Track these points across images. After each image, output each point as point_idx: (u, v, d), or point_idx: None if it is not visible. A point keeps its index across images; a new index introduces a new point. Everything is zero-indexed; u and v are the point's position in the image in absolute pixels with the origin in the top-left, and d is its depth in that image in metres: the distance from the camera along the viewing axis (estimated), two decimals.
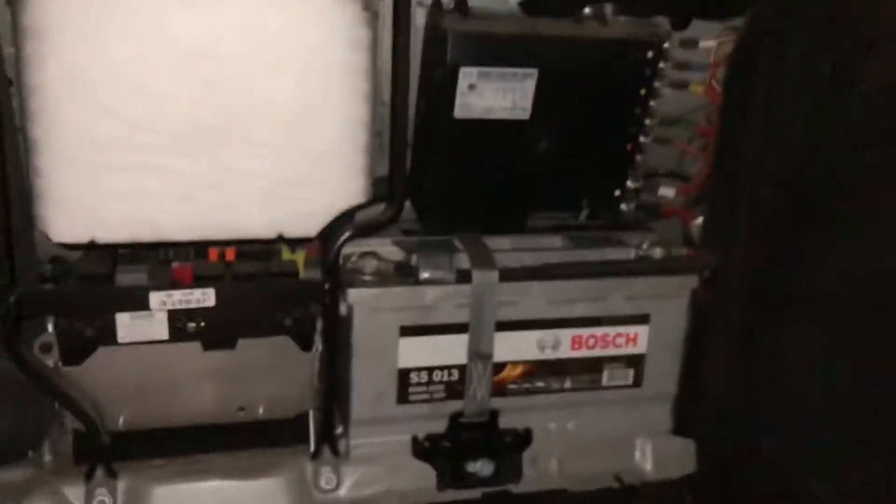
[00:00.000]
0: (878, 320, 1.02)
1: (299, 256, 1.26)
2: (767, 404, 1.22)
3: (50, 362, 1.12)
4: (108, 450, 1.15)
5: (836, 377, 1.09)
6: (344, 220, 1.14)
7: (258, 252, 1.25)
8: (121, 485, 1.15)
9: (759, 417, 1.23)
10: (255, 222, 1.09)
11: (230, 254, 1.22)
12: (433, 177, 1.25)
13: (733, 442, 1.28)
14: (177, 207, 1.05)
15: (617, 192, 1.32)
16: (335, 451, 1.24)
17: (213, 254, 1.21)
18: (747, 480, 1.24)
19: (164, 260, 1.20)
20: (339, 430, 1.27)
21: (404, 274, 1.20)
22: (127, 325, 1.11)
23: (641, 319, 1.29)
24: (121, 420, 1.16)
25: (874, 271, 1.03)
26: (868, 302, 1.04)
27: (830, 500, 1.08)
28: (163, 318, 1.12)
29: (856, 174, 1.04)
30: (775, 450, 1.19)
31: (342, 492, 1.24)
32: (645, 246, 1.32)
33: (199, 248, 1.23)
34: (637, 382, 1.32)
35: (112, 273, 1.11)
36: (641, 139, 1.29)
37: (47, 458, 1.17)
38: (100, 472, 1.14)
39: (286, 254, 1.26)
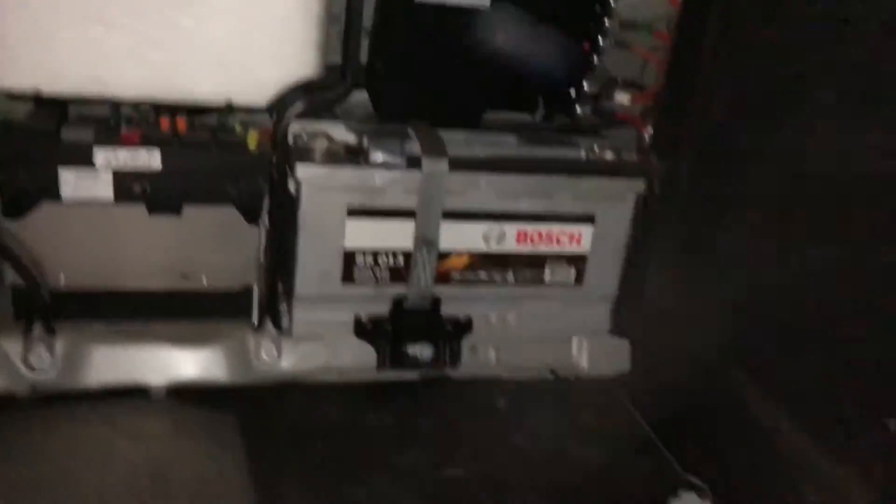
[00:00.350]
0: (804, 224, 1.05)
1: (252, 135, 1.26)
2: (700, 306, 1.25)
3: None
4: (47, 307, 1.16)
5: (764, 279, 1.13)
6: (295, 94, 1.14)
7: (211, 127, 1.26)
8: (59, 343, 1.17)
9: (693, 318, 1.27)
10: (204, 87, 1.08)
11: (181, 123, 1.21)
12: (389, 64, 1.25)
13: (666, 342, 1.33)
14: (124, 64, 1.04)
15: (573, 93, 1.33)
16: (277, 325, 1.26)
17: (164, 123, 1.21)
18: (677, 379, 1.29)
19: (114, 126, 1.19)
20: (284, 306, 1.29)
21: (354, 155, 1.21)
22: (71, 183, 1.10)
23: (587, 219, 1.32)
24: (62, 278, 1.17)
25: (804, 175, 1.05)
26: (796, 206, 1.07)
27: (757, 398, 1.12)
28: (108, 177, 1.12)
29: (803, 74, 1.06)
30: (703, 349, 1.23)
31: (282, 364, 1.26)
32: (596, 148, 1.34)
33: (151, 118, 1.23)
34: (578, 281, 1.35)
35: (57, 129, 1.10)
36: (600, 41, 1.30)
37: None
38: (39, 329, 1.15)
39: (239, 131, 1.25)
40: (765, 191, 1.15)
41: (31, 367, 1.15)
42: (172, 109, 1.21)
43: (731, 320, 1.19)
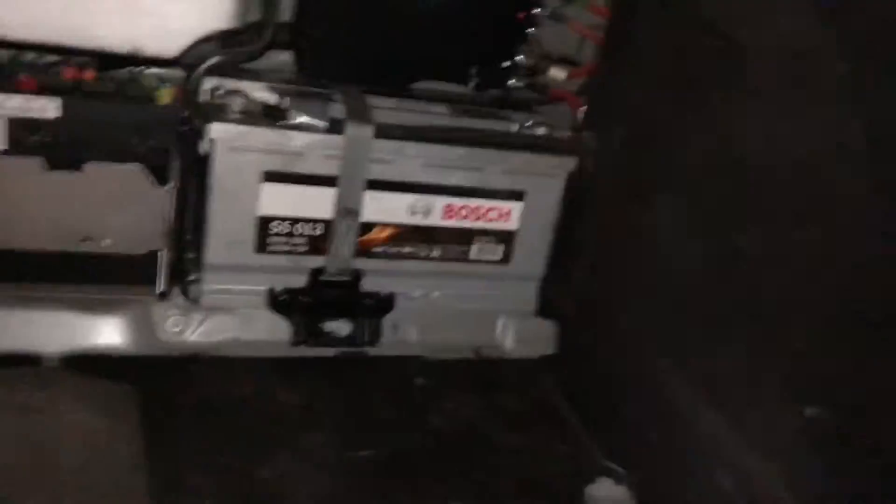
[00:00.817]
0: (730, 207, 1.03)
1: (165, 92, 1.18)
2: (626, 289, 1.23)
3: None
4: None
5: (688, 263, 1.10)
6: (210, 46, 1.06)
7: (120, 79, 1.17)
8: None
9: (619, 301, 1.24)
10: (109, 31, 1.00)
11: (88, 74, 1.13)
12: (315, 22, 1.19)
13: (593, 325, 1.30)
14: (25, 4, 0.95)
15: (506, 64, 1.28)
16: (185, 295, 1.19)
17: (68, 72, 1.12)
18: (603, 363, 1.26)
19: (12, 72, 1.10)
20: (192, 274, 1.22)
21: (273, 116, 1.14)
22: None
23: (516, 196, 1.28)
24: None
25: (732, 156, 1.03)
26: (723, 188, 1.04)
27: (680, 384, 1.09)
28: (1, 125, 1.03)
29: (739, 51, 1.03)
30: (629, 333, 1.20)
31: (189, 336, 1.19)
32: (528, 123, 1.30)
33: (52, 68, 1.14)
34: (506, 259, 1.32)
35: None
36: (536, 11, 1.26)
37: None
38: None
39: (150, 84, 1.17)
40: (692, 173, 1.12)
41: None
42: (81, 60, 1.13)
43: (656, 304, 1.17)
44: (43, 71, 1.12)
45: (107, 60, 1.16)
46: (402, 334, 1.31)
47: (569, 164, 1.29)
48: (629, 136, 1.24)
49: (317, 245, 1.20)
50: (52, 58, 1.15)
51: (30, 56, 1.14)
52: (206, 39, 1.06)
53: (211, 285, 1.19)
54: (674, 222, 1.14)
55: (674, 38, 1.15)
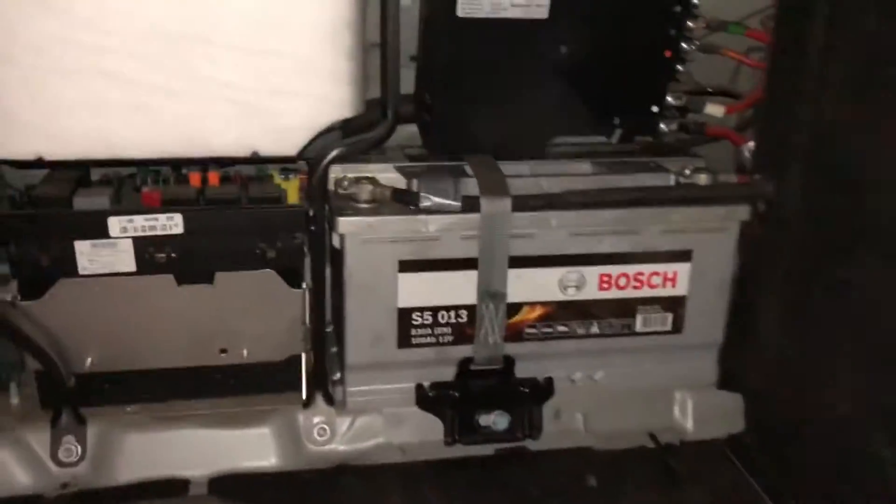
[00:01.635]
0: None
1: (292, 184, 1.12)
2: (830, 354, 1.03)
3: (7, 296, 1.00)
4: (73, 393, 1.04)
5: None
6: (329, 137, 0.99)
7: (246, 179, 1.13)
8: (90, 431, 1.05)
9: (820, 370, 1.05)
10: (224, 138, 0.95)
11: (213, 178, 1.09)
12: (437, 91, 1.09)
13: (788, 398, 1.11)
14: (132, 119, 0.92)
15: (654, 109, 1.13)
16: (329, 400, 1.12)
17: (193, 178, 1.08)
18: (803, 442, 1.07)
19: (135, 186, 1.07)
20: (336, 376, 1.14)
21: (403, 201, 1.05)
22: (88, 255, 0.99)
23: (682, 256, 1.12)
24: (88, 361, 1.05)
25: None
26: None
27: None
28: (127, 246, 0.99)
29: None
30: (838, 407, 1.01)
31: (337, 444, 1.11)
32: (688, 171, 1.14)
33: (178, 174, 1.11)
34: (676, 328, 1.15)
35: (69, 196, 0.98)
36: (683, 45, 1.10)
37: (14, 400, 1.07)
38: (66, 418, 1.04)
39: (278, 180, 1.12)
40: None
41: (60, 463, 1.04)
42: (203, 163, 1.09)
43: (869, 370, 0.97)
44: (167, 179, 1.09)
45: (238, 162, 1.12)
46: (565, 423, 1.17)
47: (741, 213, 1.11)
48: (812, 177, 1.05)
49: (463, 333, 1.10)
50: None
51: (154, 167, 1.12)
52: (327, 130, 0.99)
53: (355, 386, 1.11)
54: (882, 271, 0.95)
55: (852, 59, 0.96)
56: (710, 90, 1.23)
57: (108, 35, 0.88)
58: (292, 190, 1.11)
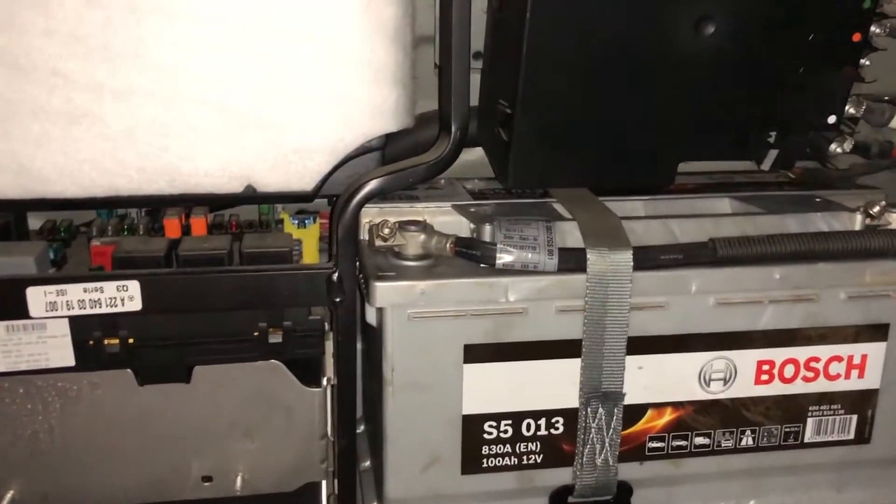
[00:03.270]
0: None
1: (310, 232, 0.80)
2: None
3: None
4: None
5: None
6: (363, 164, 0.66)
7: (246, 226, 0.81)
8: None
9: None
10: (203, 163, 0.64)
11: (197, 226, 0.76)
12: (522, 102, 0.76)
13: None
14: (60, 135, 0.60)
15: (831, 120, 0.79)
16: None
17: (170, 227, 0.76)
18: None
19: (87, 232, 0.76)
20: None
21: (471, 256, 0.72)
22: (2, 343, 0.66)
23: (874, 332, 0.82)
24: (7, 497, 0.72)
25: None
26: None
27: None
28: (61, 329, 0.67)
29: None
30: None
31: None
32: (875, 210, 0.81)
33: (153, 221, 0.79)
34: (862, 437, 0.85)
35: None
36: (873, 28, 0.77)
37: None
38: None
39: (290, 228, 0.79)
40: None
41: None
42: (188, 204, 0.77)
43: None
44: (134, 228, 0.77)
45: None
46: None
47: None
48: None
49: (558, 450, 0.79)
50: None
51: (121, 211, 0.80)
52: (359, 154, 0.66)
53: None
54: None
55: None
56: (885, 99, 0.89)
57: (52, 36, 0.56)
58: (310, 240, 0.80)
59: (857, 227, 0.82)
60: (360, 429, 0.95)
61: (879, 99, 0.89)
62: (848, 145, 0.85)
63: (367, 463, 0.90)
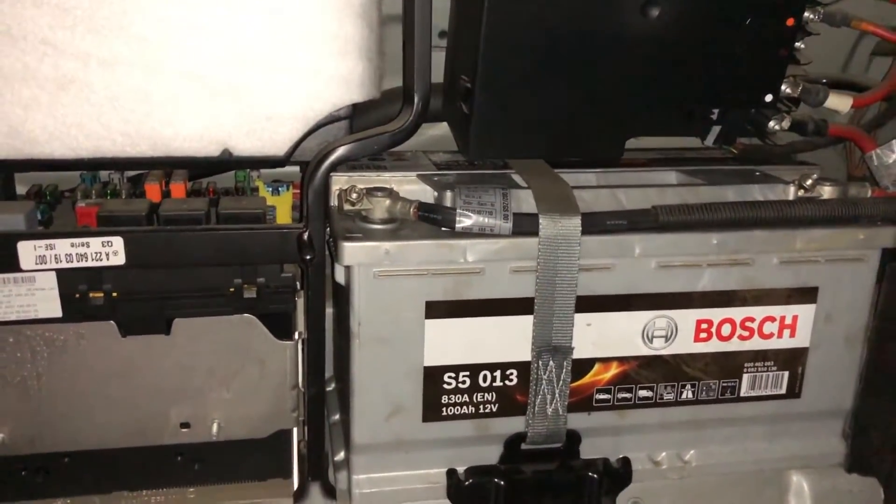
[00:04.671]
0: None
1: (284, 199, 0.85)
2: None
3: None
4: None
5: None
6: (332, 132, 0.72)
7: (223, 192, 0.86)
8: None
9: None
10: (182, 129, 0.69)
11: (177, 190, 0.81)
12: (482, 78, 0.81)
13: None
14: (48, 100, 0.65)
15: (768, 98, 0.85)
16: (329, 491, 0.84)
17: (151, 191, 0.81)
18: None
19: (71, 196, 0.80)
20: (339, 457, 0.86)
21: (433, 220, 0.77)
22: None
23: (805, 295, 0.87)
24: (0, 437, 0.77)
25: None
26: None
27: None
28: (49, 282, 0.71)
29: None
30: None
31: None
32: (808, 182, 0.86)
33: (135, 187, 0.83)
34: (793, 391, 0.90)
35: None
36: (807, 14, 0.83)
37: None
38: None
39: (265, 195, 0.84)
40: None
41: None
42: (168, 168, 0.82)
43: None
44: (117, 192, 0.82)
45: (204, 166, 0.85)
46: None
47: (883, 238, 0.85)
48: None
49: (512, 400, 0.83)
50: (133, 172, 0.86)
51: (108, 172, 0.84)
52: (329, 122, 0.71)
53: (364, 473, 0.83)
54: None
55: None
56: (823, 81, 0.95)
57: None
58: (283, 207, 0.85)
59: (791, 198, 0.89)
60: (332, 387, 1.01)
61: (816, 80, 0.96)
62: (786, 123, 0.91)
63: (337, 416, 0.96)
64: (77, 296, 0.73)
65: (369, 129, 0.78)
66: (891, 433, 0.89)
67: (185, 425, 0.81)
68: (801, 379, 0.89)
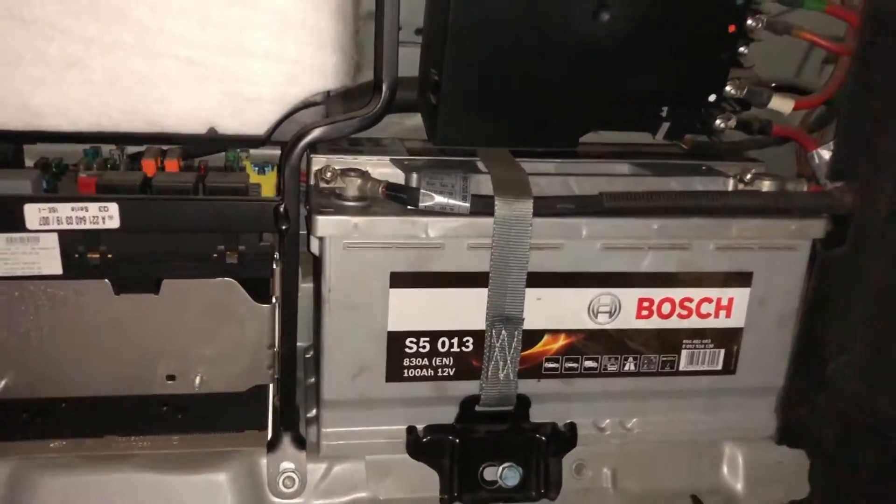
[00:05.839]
0: None
1: (268, 178, 0.93)
2: None
3: None
4: None
5: None
6: (308, 115, 0.80)
7: (210, 168, 0.94)
8: (2, 470, 0.85)
9: None
10: (174, 107, 0.76)
11: (170, 166, 0.89)
12: (449, 67, 0.89)
13: (867, 459, 0.89)
14: (55, 79, 0.73)
15: (711, 98, 0.93)
16: (300, 442, 0.91)
17: (147, 166, 0.89)
18: None
19: (75, 169, 0.88)
20: (310, 413, 0.94)
21: (399, 199, 0.85)
22: (2, 251, 0.79)
23: (740, 279, 0.93)
24: (1, 384, 0.85)
25: None
26: None
27: None
28: (52, 242, 0.80)
29: None
30: None
31: (308, 497, 0.91)
32: (748, 176, 0.94)
33: (132, 162, 0.91)
34: (729, 368, 0.96)
35: None
36: (750, 21, 0.90)
37: None
38: None
39: (251, 173, 0.92)
40: None
41: None
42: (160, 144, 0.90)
43: None
44: (115, 166, 0.90)
45: (196, 146, 0.93)
46: (589, 480, 0.96)
47: (814, 229, 0.92)
48: None
49: (467, 366, 0.90)
50: (134, 149, 0.93)
51: (109, 149, 0.92)
52: (305, 107, 0.79)
53: (332, 427, 0.91)
54: None
55: None
56: (773, 85, 1.03)
57: None
58: (268, 185, 0.92)
59: (730, 189, 0.97)
60: (310, 354, 1.10)
61: (766, 84, 1.04)
62: (732, 122, 0.99)
63: (312, 380, 1.04)
64: (76, 255, 0.81)
65: (343, 116, 0.86)
66: (817, 410, 0.97)
67: (170, 378, 0.88)
68: (736, 357, 0.95)
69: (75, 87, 0.73)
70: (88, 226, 0.78)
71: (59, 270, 0.81)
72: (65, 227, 0.78)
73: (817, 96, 0.99)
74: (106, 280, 0.84)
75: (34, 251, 0.80)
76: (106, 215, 0.78)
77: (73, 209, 0.77)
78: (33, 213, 0.77)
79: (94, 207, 0.77)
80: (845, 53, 0.94)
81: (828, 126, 1.04)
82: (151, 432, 0.91)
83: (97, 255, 0.82)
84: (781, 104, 0.98)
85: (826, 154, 0.98)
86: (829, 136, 1.02)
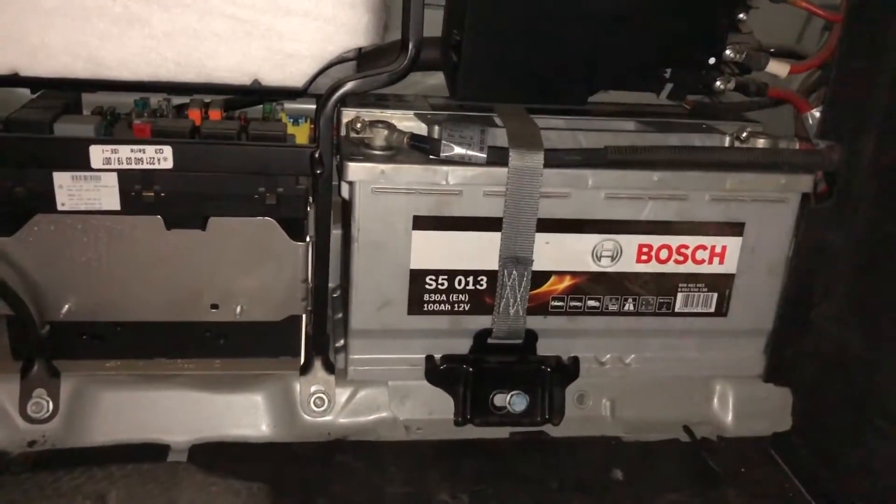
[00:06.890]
0: None
1: (302, 129, 1.02)
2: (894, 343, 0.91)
3: None
4: (46, 343, 0.94)
5: None
6: (343, 71, 0.88)
7: (249, 118, 1.03)
8: (64, 386, 0.95)
9: (888, 366, 0.92)
10: (222, 60, 0.85)
11: (214, 115, 0.98)
12: (469, 27, 0.97)
13: (845, 396, 0.98)
14: (118, 33, 0.81)
15: (711, 61, 1.00)
16: (329, 367, 1.01)
17: (193, 115, 0.98)
18: (861, 446, 0.94)
19: (130, 121, 0.97)
20: (339, 342, 1.04)
21: (422, 149, 0.93)
22: (67, 188, 0.88)
23: (733, 229, 1.01)
24: (65, 308, 0.95)
25: None
26: None
27: None
28: (112, 181, 0.89)
29: None
30: None
31: (335, 416, 1.01)
32: (744, 135, 1.02)
33: (179, 111, 1.00)
34: (721, 311, 1.04)
35: (51, 122, 0.88)
36: None
37: None
38: (38, 370, 0.94)
39: (287, 123, 1.01)
40: None
41: (28, 418, 0.94)
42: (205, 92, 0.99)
43: None
44: (164, 115, 0.99)
45: (237, 98, 1.01)
46: (590, 409, 1.05)
47: (803, 184, 0.99)
48: (890, 145, 0.92)
49: (481, 302, 0.98)
50: (181, 100, 1.02)
51: (156, 100, 1.01)
52: (339, 62, 0.88)
53: (358, 354, 1.00)
54: None
55: None
56: (771, 50, 1.10)
57: None
58: (302, 135, 1.01)
59: (726, 146, 1.05)
60: (338, 294, 1.19)
61: (765, 49, 1.11)
62: (731, 84, 1.06)
63: (340, 315, 1.13)
64: (132, 193, 0.90)
65: (374, 67, 0.94)
66: (802, 351, 1.05)
67: (214, 306, 0.98)
68: (728, 300, 1.03)
69: (137, 41, 0.82)
70: (145, 166, 0.87)
71: (117, 206, 0.91)
72: (124, 167, 0.87)
73: (811, 61, 1.06)
74: (158, 216, 0.93)
75: (96, 188, 0.89)
76: (161, 157, 0.87)
77: (131, 151, 0.87)
78: (97, 154, 0.86)
79: (150, 150, 0.87)
80: (839, 21, 1.01)
81: (822, 89, 1.11)
82: (196, 356, 1.01)
83: (151, 194, 0.91)
84: (778, 68, 1.05)
85: (818, 114, 1.05)
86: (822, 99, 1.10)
